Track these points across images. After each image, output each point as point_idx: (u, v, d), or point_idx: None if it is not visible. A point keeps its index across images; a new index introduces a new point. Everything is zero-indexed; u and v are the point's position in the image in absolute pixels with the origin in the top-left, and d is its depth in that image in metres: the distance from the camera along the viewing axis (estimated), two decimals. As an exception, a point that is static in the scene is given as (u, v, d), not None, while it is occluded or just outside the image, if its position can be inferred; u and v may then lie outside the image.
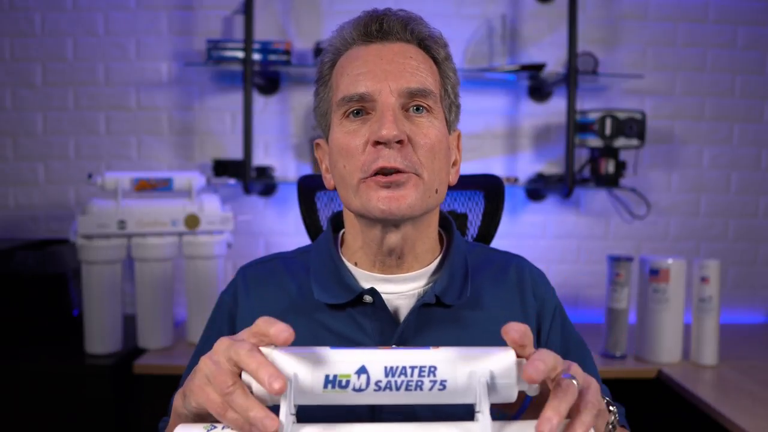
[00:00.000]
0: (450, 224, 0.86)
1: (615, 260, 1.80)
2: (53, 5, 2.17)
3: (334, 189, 0.80)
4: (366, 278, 0.80)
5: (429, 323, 0.78)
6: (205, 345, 0.83)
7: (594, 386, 0.54)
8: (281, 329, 0.51)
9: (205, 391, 0.54)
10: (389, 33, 0.76)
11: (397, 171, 0.72)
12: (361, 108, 0.75)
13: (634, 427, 1.82)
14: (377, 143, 0.72)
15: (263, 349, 0.53)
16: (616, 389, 1.75)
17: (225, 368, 0.52)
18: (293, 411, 0.51)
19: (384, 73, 0.74)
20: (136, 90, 2.21)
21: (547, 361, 0.51)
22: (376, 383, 0.51)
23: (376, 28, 0.76)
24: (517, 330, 0.52)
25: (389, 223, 0.75)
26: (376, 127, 0.72)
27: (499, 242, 1.12)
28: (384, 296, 0.77)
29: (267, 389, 0.49)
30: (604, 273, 1.85)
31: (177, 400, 0.62)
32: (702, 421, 1.49)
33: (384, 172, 0.72)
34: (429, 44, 0.78)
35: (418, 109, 0.75)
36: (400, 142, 0.72)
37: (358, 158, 0.74)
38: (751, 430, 1.31)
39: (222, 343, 0.54)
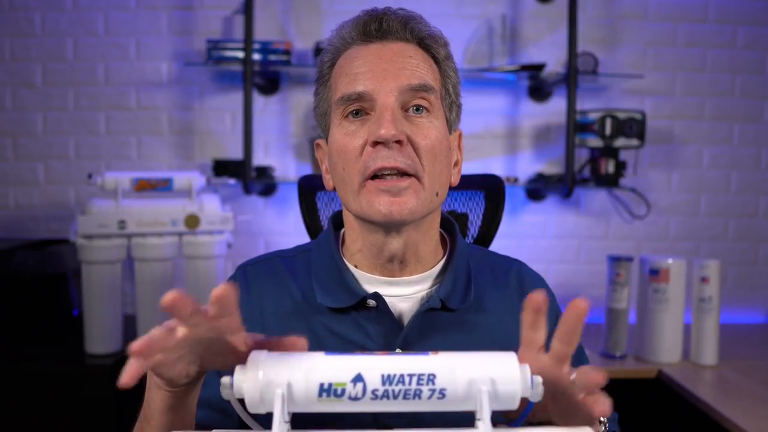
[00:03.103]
0: (453, 226, 0.85)
1: (615, 260, 1.80)
2: (53, 5, 2.17)
3: (334, 190, 0.80)
4: (369, 281, 0.79)
5: (433, 327, 0.77)
6: None
7: None
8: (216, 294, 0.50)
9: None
10: (388, 32, 0.75)
11: (398, 171, 0.71)
12: (360, 108, 0.74)
13: (634, 427, 1.82)
14: (376, 143, 0.71)
15: (254, 354, 0.52)
16: (616, 389, 1.75)
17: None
18: (287, 419, 0.50)
19: (383, 72, 0.73)
20: (136, 90, 2.21)
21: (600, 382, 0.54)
22: (373, 392, 0.50)
23: (375, 27, 0.75)
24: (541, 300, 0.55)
25: (391, 227, 0.74)
26: (375, 127, 0.71)
27: (499, 242, 1.11)
28: (387, 299, 0.76)
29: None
30: (604, 273, 1.84)
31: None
32: (702, 421, 1.49)
33: (383, 172, 0.71)
34: (429, 43, 0.77)
35: (418, 110, 0.74)
36: (399, 142, 0.71)
37: (357, 160, 0.73)
38: (751, 430, 1.31)
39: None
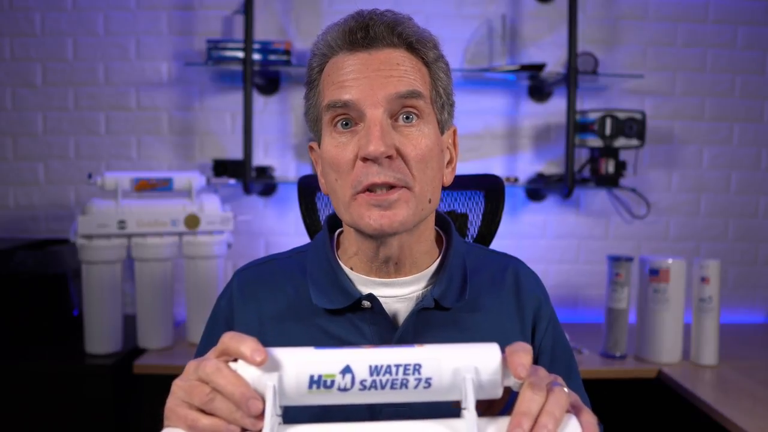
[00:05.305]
0: (448, 225, 0.85)
1: (615, 260, 1.80)
2: (53, 5, 2.17)
3: (328, 195, 0.80)
4: (364, 282, 0.79)
5: (427, 326, 0.77)
6: (203, 353, 0.83)
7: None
8: (254, 349, 0.51)
9: (177, 411, 0.54)
10: (375, 39, 0.74)
11: (388, 186, 0.71)
12: (349, 118, 0.73)
13: (635, 427, 1.82)
14: (366, 159, 0.71)
15: None
16: (616, 389, 1.76)
17: (198, 384, 0.53)
18: (279, 412, 0.51)
19: (369, 81, 0.72)
20: (136, 90, 2.21)
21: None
22: (361, 382, 0.51)
23: (361, 35, 0.73)
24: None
25: (383, 237, 0.74)
26: (364, 142, 0.71)
27: (499, 242, 1.11)
28: (382, 300, 0.77)
29: (243, 409, 0.50)
30: (604, 273, 1.85)
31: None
32: (702, 421, 1.49)
33: (374, 188, 0.71)
34: (417, 47, 0.76)
35: (407, 118, 0.73)
36: (389, 156, 0.71)
37: (348, 173, 0.73)
38: (751, 430, 1.31)
39: (190, 366, 0.56)
